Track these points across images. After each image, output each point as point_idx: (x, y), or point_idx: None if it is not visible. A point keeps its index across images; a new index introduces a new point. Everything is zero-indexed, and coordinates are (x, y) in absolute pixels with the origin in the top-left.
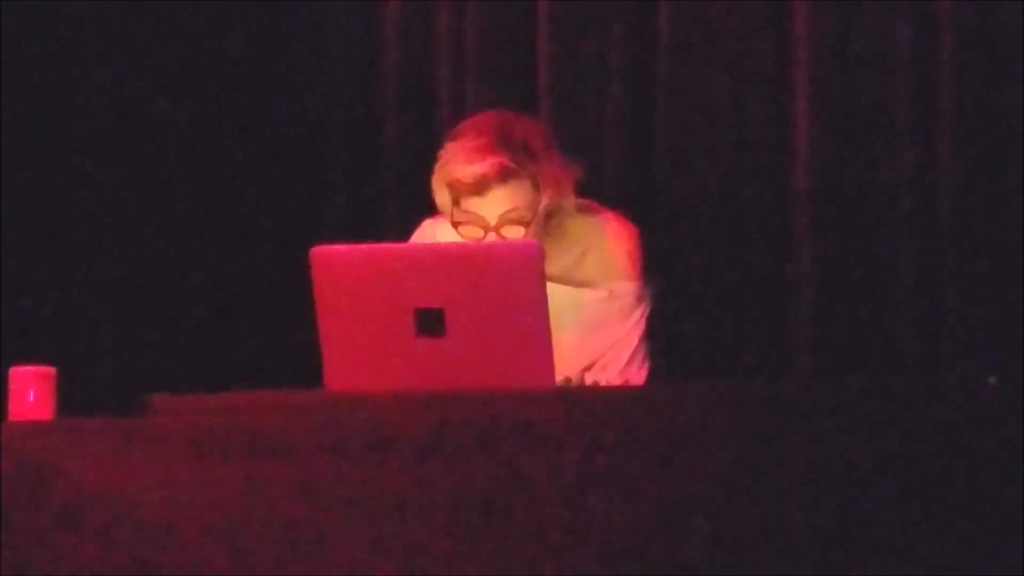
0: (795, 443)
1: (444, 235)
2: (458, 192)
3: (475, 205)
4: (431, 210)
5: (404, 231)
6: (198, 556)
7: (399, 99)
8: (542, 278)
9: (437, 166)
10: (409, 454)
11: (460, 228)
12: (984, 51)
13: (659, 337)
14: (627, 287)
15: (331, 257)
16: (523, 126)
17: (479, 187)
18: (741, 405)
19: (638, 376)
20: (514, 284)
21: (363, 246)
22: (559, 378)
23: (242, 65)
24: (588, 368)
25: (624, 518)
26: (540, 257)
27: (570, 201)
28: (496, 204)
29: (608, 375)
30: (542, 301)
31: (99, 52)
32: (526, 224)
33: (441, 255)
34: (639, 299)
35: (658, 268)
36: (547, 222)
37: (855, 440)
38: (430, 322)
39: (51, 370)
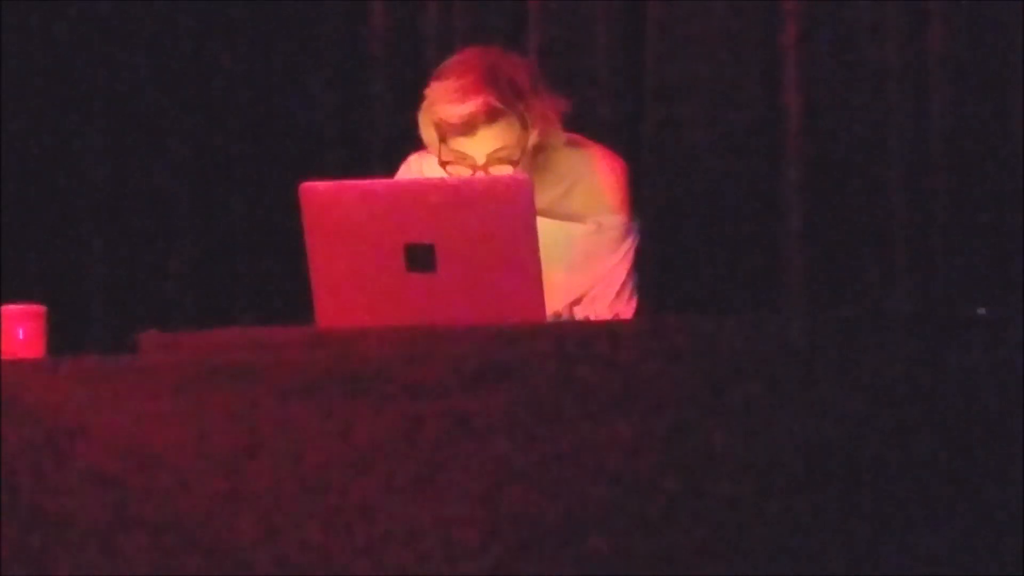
0: (784, 376)
1: (431, 169)
2: (445, 131)
3: (463, 144)
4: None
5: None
6: (189, 489)
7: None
8: (533, 213)
9: (424, 105)
10: (400, 389)
11: (448, 167)
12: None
13: (648, 271)
14: (615, 220)
15: (321, 193)
16: (509, 63)
17: (467, 127)
18: (732, 337)
19: (627, 309)
20: (505, 219)
21: (353, 182)
22: (549, 313)
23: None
24: (577, 302)
25: (618, 452)
26: (531, 192)
27: (559, 137)
28: (484, 143)
29: (597, 308)
30: (533, 236)
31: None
32: (514, 162)
33: (431, 190)
34: (627, 232)
35: (646, 203)
36: (535, 156)
37: (846, 371)
38: (421, 257)
39: (41, 308)
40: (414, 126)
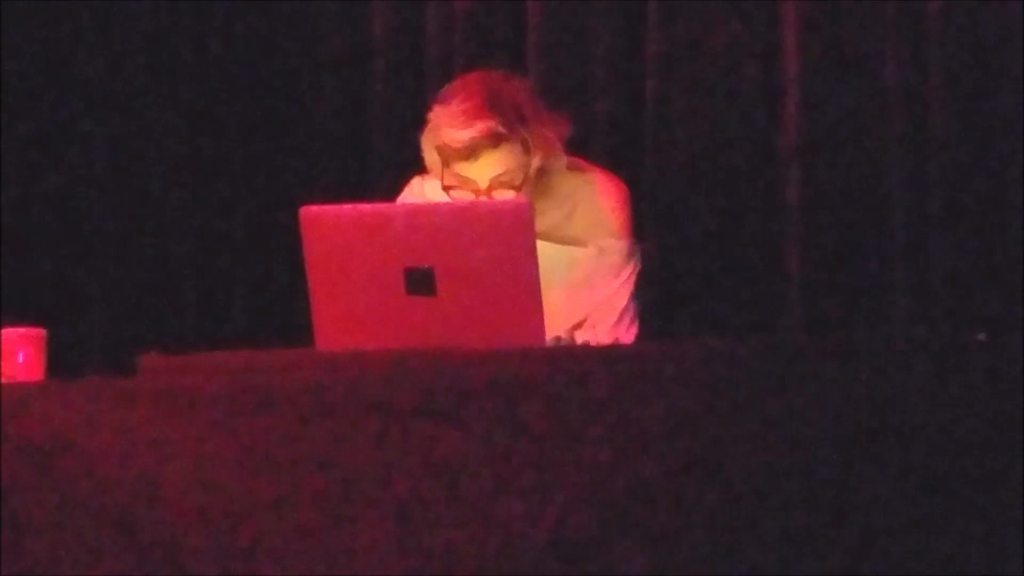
0: (784, 399)
1: (433, 192)
2: (448, 156)
3: (465, 169)
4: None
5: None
6: (189, 512)
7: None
8: (533, 237)
9: (427, 128)
10: (398, 413)
11: (451, 192)
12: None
13: (648, 295)
14: (616, 244)
15: (320, 217)
16: (511, 87)
17: (470, 152)
18: (732, 361)
19: (627, 334)
20: (504, 243)
21: (353, 205)
22: (549, 337)
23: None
24: (578, 326)
25: (617, 475)
26: (531, 216)
27: (560, 161)
28: (487, 168)
29: (598, 333)
30: (533, 260)
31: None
32: (517, 187)
33: (431, 214)
34: (628, 257)
35: (647, 228)
36: (537, 180)
37: (844, 395)
38: (420, 281)
39: (41, 331)
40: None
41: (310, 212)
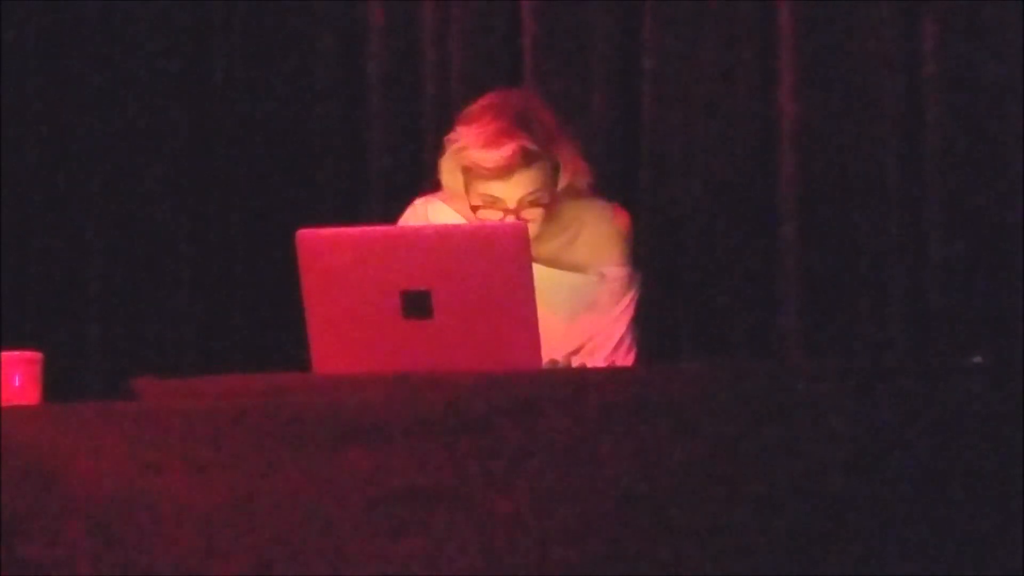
0: (780, 425)
1: (436, 214)
2: (477, 176)
3: (495, 189)
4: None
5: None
6: (185, 536)
7: (383, 97)
8: (529, 260)
9: (451, 150)
10: (396, 435)
11: (479, 212)
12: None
13: (647, 323)
14: (617, 272)
15: (317, 240)
16: (536, 105)
17: (502, 171)
18: (727, 386)
19: (625, 361)
20: (501, 266)
21: (349, 229)
22: (546, 360)
23: (231, 62)
24: (576, 352)
25: (612, 497)
26: (527, 239)
27: (586, 178)
28: (518, 187)
29: (595, 360)
30: (529, 283)
31: (95, 44)
32: (544, 205)
33: (427, 237)
34: (629, 284)
35: (647, 257)
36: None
37: (840, 422)
38: (417, 304)
39: (37, 355)
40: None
41: (306, 235)
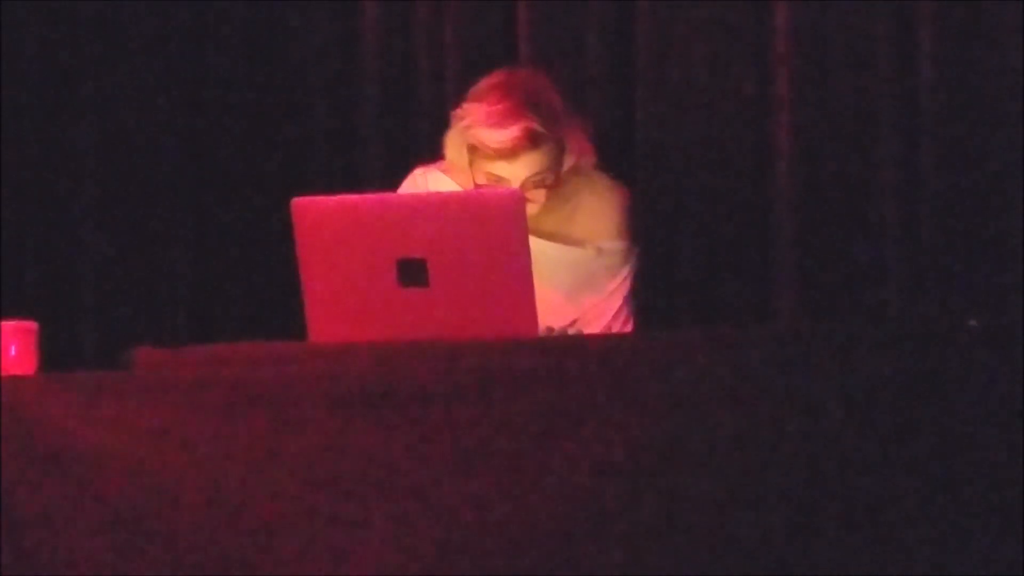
0: (776, 389)
1: (435, 184)
2: (482, 155)
3: (500, 169)
4: None
5: None
6: (183, 504)
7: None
8: (525, 228)
9: (458, 126)
10: (393, 403)
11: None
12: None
13: (643, 296)
14: (615, 246)
15: (312, 208)
16: (543, 85)
17: (508, 152)
18: (723, 352)
19: (622, 332)
20: (496, 233)
21: (344, 197)
22: (542, 327)
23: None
24: (572, 324)
25: (611, 463)
26: (523, 207)
27: (592, 158)
28: (523, 168)
29: (592, 331)
30: (525, 251)
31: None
32: (549, 186)
33: (423, 205)
34: (626, 258)
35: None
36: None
37: (836, 385)
38: (413, 272)
39: (33, 325)
40: (405, 124)
41: (301, 204)
